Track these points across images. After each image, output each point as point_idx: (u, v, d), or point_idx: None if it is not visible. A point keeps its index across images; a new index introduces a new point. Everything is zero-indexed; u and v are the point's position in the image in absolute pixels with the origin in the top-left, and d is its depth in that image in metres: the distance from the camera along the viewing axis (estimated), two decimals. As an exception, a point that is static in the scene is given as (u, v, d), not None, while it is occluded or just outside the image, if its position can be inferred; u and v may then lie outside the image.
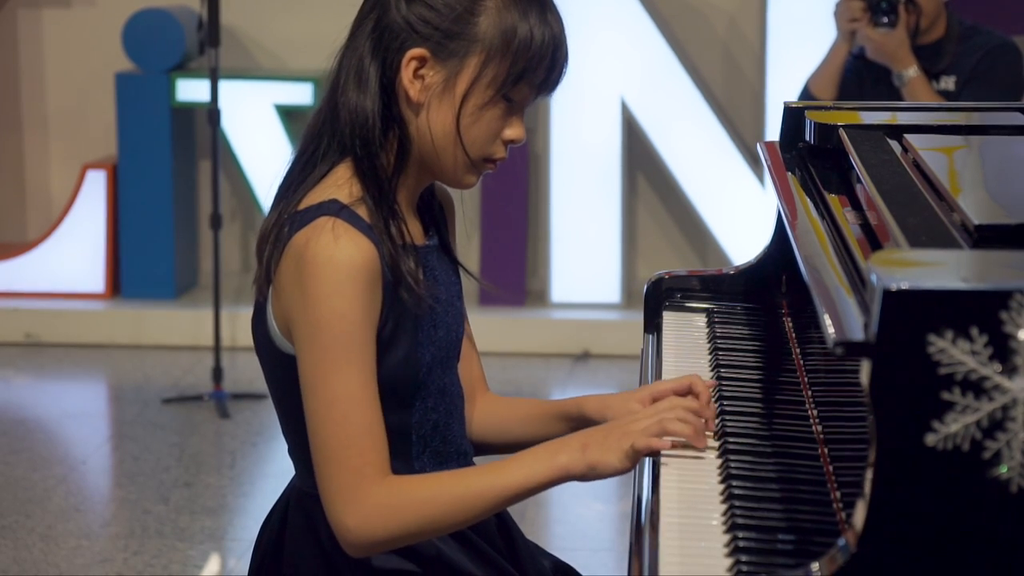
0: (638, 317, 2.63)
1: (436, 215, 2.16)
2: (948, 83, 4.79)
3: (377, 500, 1.93)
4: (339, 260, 1.92)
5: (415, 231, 2.06)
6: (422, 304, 2.01)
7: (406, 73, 2.00)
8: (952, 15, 4.88)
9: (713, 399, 2.10)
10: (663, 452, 1.96)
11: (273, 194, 2.08)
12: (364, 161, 2.01)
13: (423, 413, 2.06)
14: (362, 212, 1.98)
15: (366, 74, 2.01)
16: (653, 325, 2.55)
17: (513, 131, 2.04)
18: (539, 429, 2.22)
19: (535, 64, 2.00)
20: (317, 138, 2.05)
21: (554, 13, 2.03)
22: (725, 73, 6.21)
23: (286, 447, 2.12)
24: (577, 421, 2.20)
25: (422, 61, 1.99)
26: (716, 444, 2.02)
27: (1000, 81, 4.72)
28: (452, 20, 1.98)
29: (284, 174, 2.08)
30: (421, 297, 2.00)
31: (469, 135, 2.01)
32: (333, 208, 1.96)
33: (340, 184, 2.00)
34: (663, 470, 1.93)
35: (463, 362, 2.19)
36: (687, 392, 2.07)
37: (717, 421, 2.07)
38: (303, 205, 1.99)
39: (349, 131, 2.01)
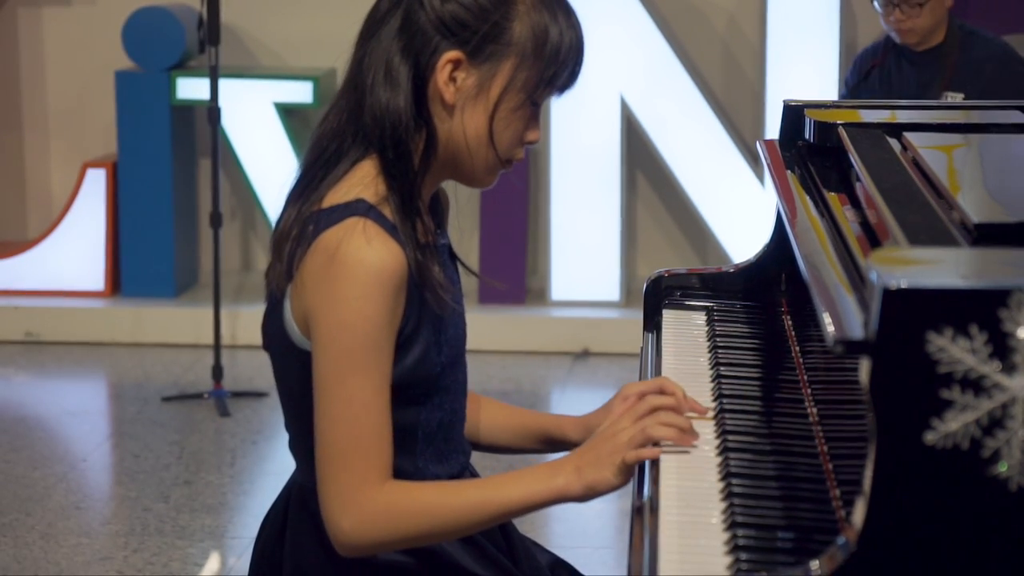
0: (638, 315, 2.63)
1: (441, 212, 2.16)
2: (956, 99, 4.77)
3: (375, 505, 1.93)
4: (370, 263, 1.92)
5: (430, 230, 2.06)
6: (447, 306, 2.01)
7: (441, 75, 1.99)
8: (952, 19, 4.88)
9: (714, 419, 2.11)
10: (661, 448, 1.97)
11: (288, 191, 2.06)
12: (394, 161, 2.00)
13: (430, 411, 2.07)
14: (387, 212, 1.97)
15: (396, 73, 1.99)
16: (653, 323, 2.55)
17: (534, 133, 2.06)
18: (516, 441, 2.24)
19: (564, 68, 2.03)
20: (339, 136, 2.03)
21: (575, 14, 2.06)
22: (725, 71, 6.21)
23: (286, 443, 2.12)
24: (558, 445, 2.22)
25: (457, 64, 1.99)
26: (716, 442, 2.02)
27: (1014, 94, 4.70)
28: (488, 24, 1.98)
29: (300, 171, 2.06)
30: (446, 300, 2.00)
31: (501, 138, 2.02)
32: (361, 208, 1.96)
33: (366, 183, 2.00)
34: (663, 468, 1.93)
35: None
36: (658, 392, 2.07)
37: (713, 412, 2.07)
38: (327, 203, 1.98)
39: (379, 131, 2.00)
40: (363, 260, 1.92)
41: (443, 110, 2.01)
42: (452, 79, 1.99)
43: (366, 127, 2.01)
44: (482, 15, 1.98)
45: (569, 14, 2.04)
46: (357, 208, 1.96)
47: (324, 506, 1.95)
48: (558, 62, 2.01)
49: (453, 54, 1.98)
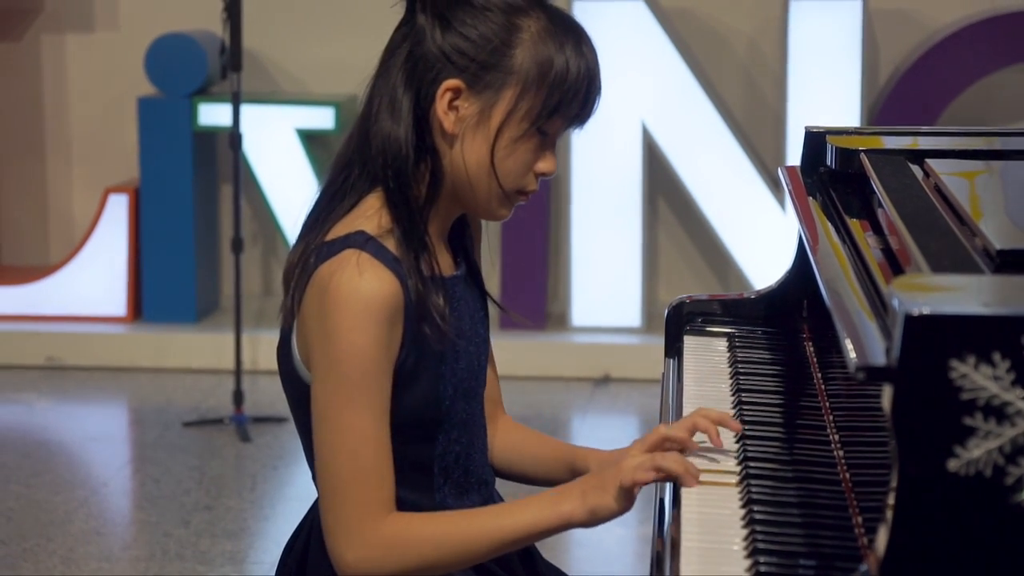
0: (659, 341, 2.63)
1: (467, 242, 2.15)
2: None
3: (378, 538, 1.92)
4: (361, 294, 1.91)
5: (444, 262, 2.05)
6: (446, 340, 2.00)
7: (440, 104, 1.98)
8: None
9: (734, 437, 2.10)
10: (657, 473, 1.95)
11: (301, 223, 2.07)
12: (396, 192, 1.99)
13: (445, 445, 2.06)
14: (389, 244, 1.96)
15: (399, 104, 1.99)
16: (674, 349, 2.54)
17: (545, 164, 2.04)
18: (549, 472, 2.21)
19: (571, 97, 2.00)
20: (347, 167, 2.03)
21: (588, 44, 2.02)
22: (746, 97, 6.21)
23: (306, 471, 2.12)
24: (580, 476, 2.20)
25: (457, 92, 1.98)
26: (737, 469, 2.01)
27: None
28: (488, 52, 1.97)
29: (312, 203, 2.06)
30: (445, 333, 1.98)
31: (503, 167, 2.00)
32: (359, 240, 1.95)
33: (369, 215, 1.99)
34: (684, 495, 1.92)
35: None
36: (691, 432, 2.05)
37: (739, 446, 2.06)
38: (330, 236, 1.98)
39: (381, 161, 1.99)
40: (354, 291, 1.90)
41: (445, 140, 2.00)
42: (454, 108, 1.98)
43: (371, 158, 2.00)
44: (483, 43, 1.97)
45: (580, 43, 2.01)
46: (355, 240, 1.95)
47: (328, 539, 1.95)
48: (563, 90, 1.99)
49: (452, 82, 1.98)
